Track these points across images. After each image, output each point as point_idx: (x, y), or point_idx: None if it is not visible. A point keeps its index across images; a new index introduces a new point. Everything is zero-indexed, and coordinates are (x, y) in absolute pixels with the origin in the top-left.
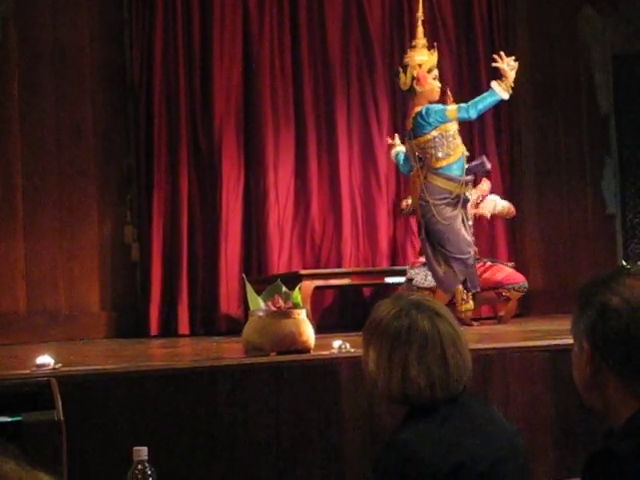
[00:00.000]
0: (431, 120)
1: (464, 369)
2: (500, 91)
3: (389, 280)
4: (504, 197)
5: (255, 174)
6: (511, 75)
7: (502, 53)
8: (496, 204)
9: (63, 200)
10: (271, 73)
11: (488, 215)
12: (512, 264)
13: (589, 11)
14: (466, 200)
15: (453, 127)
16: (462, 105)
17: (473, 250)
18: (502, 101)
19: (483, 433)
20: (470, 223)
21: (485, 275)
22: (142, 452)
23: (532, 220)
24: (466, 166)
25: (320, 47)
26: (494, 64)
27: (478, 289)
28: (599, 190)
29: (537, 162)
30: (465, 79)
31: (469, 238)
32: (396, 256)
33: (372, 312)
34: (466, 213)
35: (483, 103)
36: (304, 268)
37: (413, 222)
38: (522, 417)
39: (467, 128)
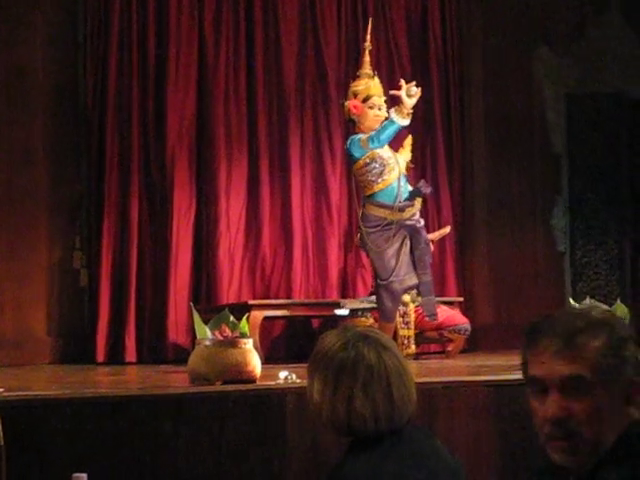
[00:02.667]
0: (353, 150)
1: (409, 402)
2: (397, 119)
3: (338, 312)
4: (455, 233)
5: (206, 203)
6: (408, 102)
7: (402, 81)
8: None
9: (12, 224)
10: (225, 102)
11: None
12: (460, 299)
13: (544, 50)
14: (412, 227)
15: (382, 152)
16: (372, 134)
17: (416, 278)
18: (405, 127)
19: (427, 466)
20: (427, 248)
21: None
22: (81, 479)
23: (482, 256)
24: (409, 189)
25: (275, 77)
26: (391, 92)
27: (435, 316)
28: (549, 228)
29: (489, 198)
30: (419, 114)
31: (410, 265)
32: (346, 288)
33: (318, 343)
34: (418, 239)
35: (384, 132)
36: (254, 298)
37: (364, 255)
38: (466, 451)
39: (420, 163)
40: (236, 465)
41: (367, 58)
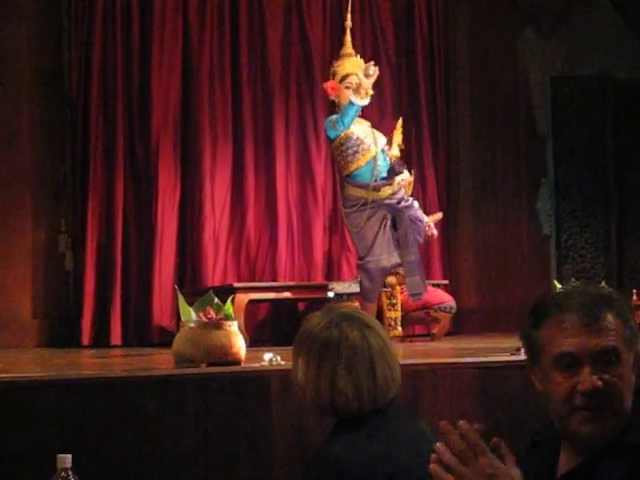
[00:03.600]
0: (328, 131)
1: (393, 382)
2: (355, 99)
3: (323, 294)
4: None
5: (191, 185)
6: (365, 82)
7: (361, 61)
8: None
9: None
10: (210, 85)
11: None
12: (446, 282)
13: (530, 33)
14: (392, 206)
15: (358, 131)
16: (338, 116)
17: (396, 258)
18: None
19: (411, 447)
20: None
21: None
22: (66, 460)
23: (467, 239)
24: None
25: (260, 60)
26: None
27: (419, 296)
28: (534, 211)
29: (474, 181)
30: (404, 96)
31: (390, 245)
32: (331, 271)
33: (303, 324)
34: (401, 218)
35: (346, 114)
36: (239, 281)
37: (349, 237)
38: None
39: (405, 146)
40: (221, 446)
41: (348, 37)
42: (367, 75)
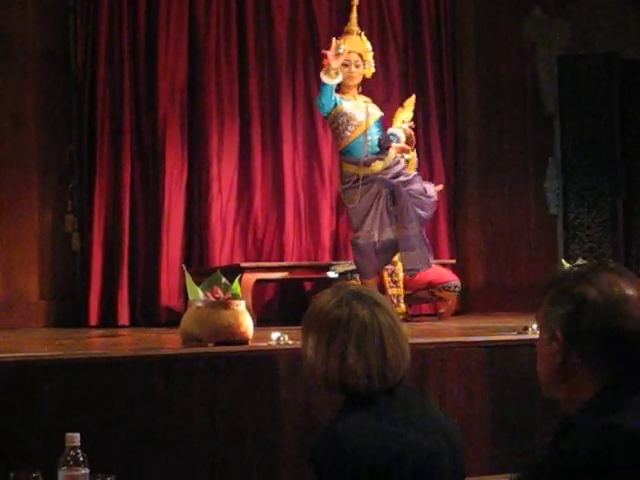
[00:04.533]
0: (320, 110)
1: (402, 360)
2: (324, 78)
3: (331, 274)
4: (448, 195)
5: (198, 166)
6: (333, 62)
7: (333, 39)
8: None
9: (3, 187)
10: (217, 65)
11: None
12: (453, 261)
13: (537, 12)
14: (386, 181)
15: (349, 107)
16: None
17: (389, 234)
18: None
19: (420, 426)
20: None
21: (416, 275)
22: (74, 438)
23: (474, 218)
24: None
25: (267, 40)
26: (323, 51)
27: (413, 272)
28: (542, 190)
29: (481, 161)
30: (411, 77)
31: (384, 220)
32: (338, 250)
33: (312, 302)
34: (399, 193)
35: (322, 95)
36: (246, 261)
37: None
38: (458, 412)
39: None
40: (228, 425)
41: (354, 14)
42: (337, 54)
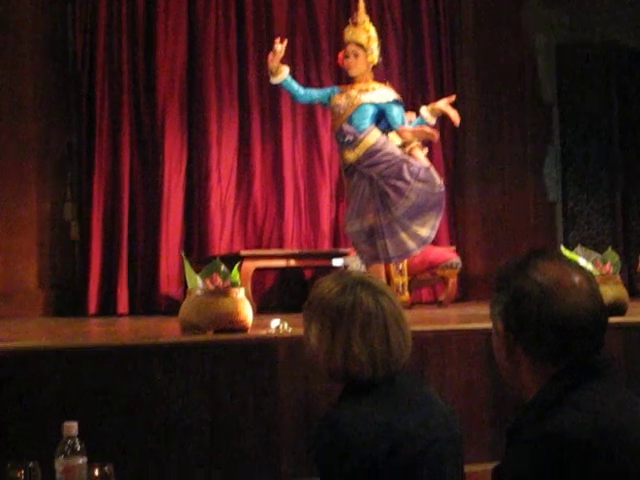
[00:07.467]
0: None
1: (405, 348)
2: (271, 80)
3: (330, 262)
4: (447, 183)
5: (198, 154)
6: (269, 63)
7: (278, 39)
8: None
9: (2, 176)
10: (216, 52)
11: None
12: (453, 249)
13: (535, 1)
14: (360, 171)
15: (335, 99)
16: None
17: (369, 219)
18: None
19: (420, 413)
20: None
21: (416, 259)
22: (72, 428)
23: (473, 206)
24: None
25: (265, 27)
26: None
27: (391, 260)
28: (541, 178)
29: (480, 149)
30: (409, 62)
31: (362, 209)
32: (338, 238)
33: (314, 289)
34: (382, 181)
35: (289, 93)
36: (246, 249)
37: None
38: (458, 399)
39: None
40: (228, 413)
41: (360, 4)
42: (273, 52)
